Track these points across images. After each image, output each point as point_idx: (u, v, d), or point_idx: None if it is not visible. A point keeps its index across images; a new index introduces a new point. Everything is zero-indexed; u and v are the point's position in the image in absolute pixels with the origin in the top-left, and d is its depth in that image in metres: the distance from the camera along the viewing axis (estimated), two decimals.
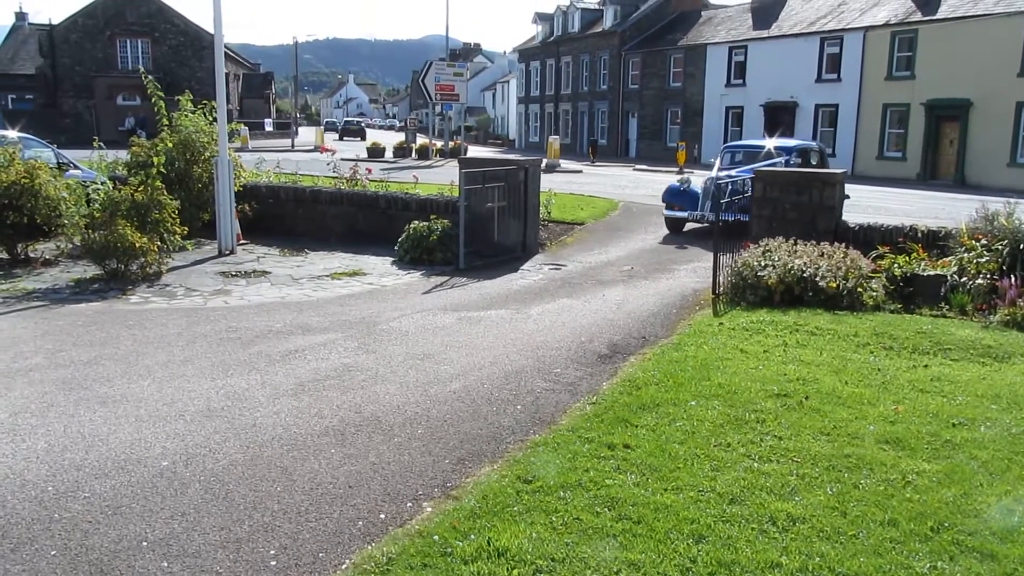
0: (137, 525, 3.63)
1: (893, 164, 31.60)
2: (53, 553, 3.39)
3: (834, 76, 34.08)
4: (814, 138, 33.55)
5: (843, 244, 9.02)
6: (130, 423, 4.91)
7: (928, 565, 3.33)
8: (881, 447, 4.57)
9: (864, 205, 17.81)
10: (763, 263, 8.54)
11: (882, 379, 5.80)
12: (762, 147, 14.86)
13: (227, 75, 54.19)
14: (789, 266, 8.34)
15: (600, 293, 9.29)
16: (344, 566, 3.31)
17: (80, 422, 4.92)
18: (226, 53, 57.89)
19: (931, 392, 5.52)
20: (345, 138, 61.58)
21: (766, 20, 38.86)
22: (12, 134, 11.80)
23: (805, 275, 8.24)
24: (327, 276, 10.21)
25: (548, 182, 19.31)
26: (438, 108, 37.73)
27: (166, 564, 3.32)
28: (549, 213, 14.57)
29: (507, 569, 3.23)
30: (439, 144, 36.01)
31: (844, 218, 10.31)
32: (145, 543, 3.48)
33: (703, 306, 8.55)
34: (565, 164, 32.36)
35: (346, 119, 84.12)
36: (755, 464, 4.31)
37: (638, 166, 36.34)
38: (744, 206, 11.39)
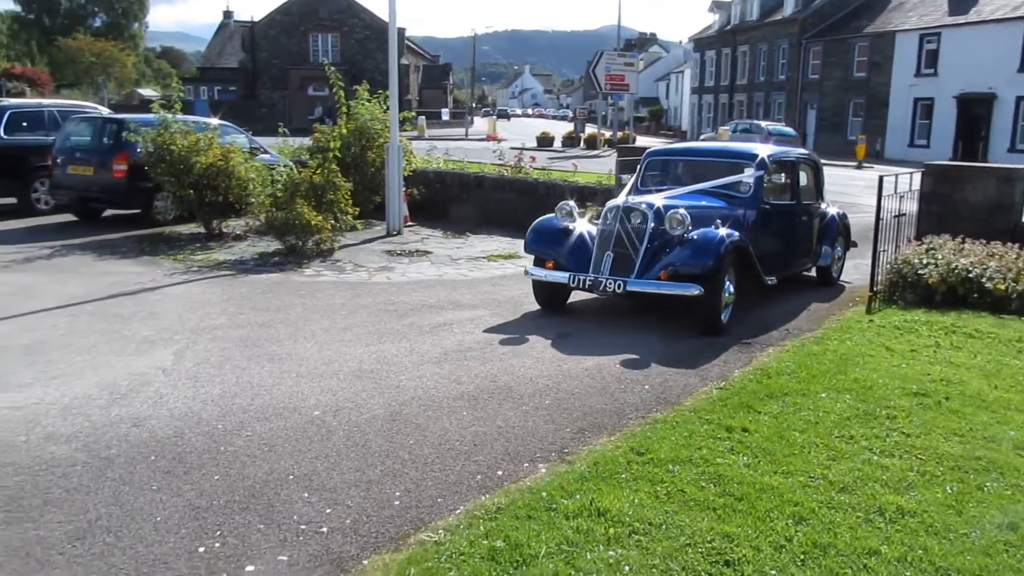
0: (286, 462, 4.13)
1: None
2: (216, 478, 3.94)
3: None
4: (1014, 135, 30.88)
5: (1017, 245, 8.46)
6: (291, 378, 5.50)
7: None
8: (1018, 452, 4.38)
9: None
10: (925, 261, 8.17)
11: None
12: (715, 154, 9.04)
13: (407, 66, 56.16)
14: (953, 265, 7.94)
15: None
16: (458, 511, 3.65)
17: (250, 374, 5.57)
18: (407, 45, 60.09)
19: None
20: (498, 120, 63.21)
21: (963, 4, 36.08)
22: (213, 121, 13.05)
23: (970, 275, 7.81)
24: (483, 257, 10.70)
25: None
26: (610, 98, 37.78)
27: (307, 495, 3.79)
28: None
29: (605, 527, 3.44)
30: (608, 134, 36.05)
31: None
32: (292, 477, 3.97)
33: (857, 303, 8.31)
34: None
35: (499, 108, 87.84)
36: (875, 457, 4.28)
37: None
38: (686, 260, 6.85)
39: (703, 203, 7.74)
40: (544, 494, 3.75)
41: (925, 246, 8.53)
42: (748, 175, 8.12)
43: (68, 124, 13.15)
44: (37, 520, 3.51)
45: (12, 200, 13.78)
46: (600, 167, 21.08)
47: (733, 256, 7.14)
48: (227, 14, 61.84)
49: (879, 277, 8.50)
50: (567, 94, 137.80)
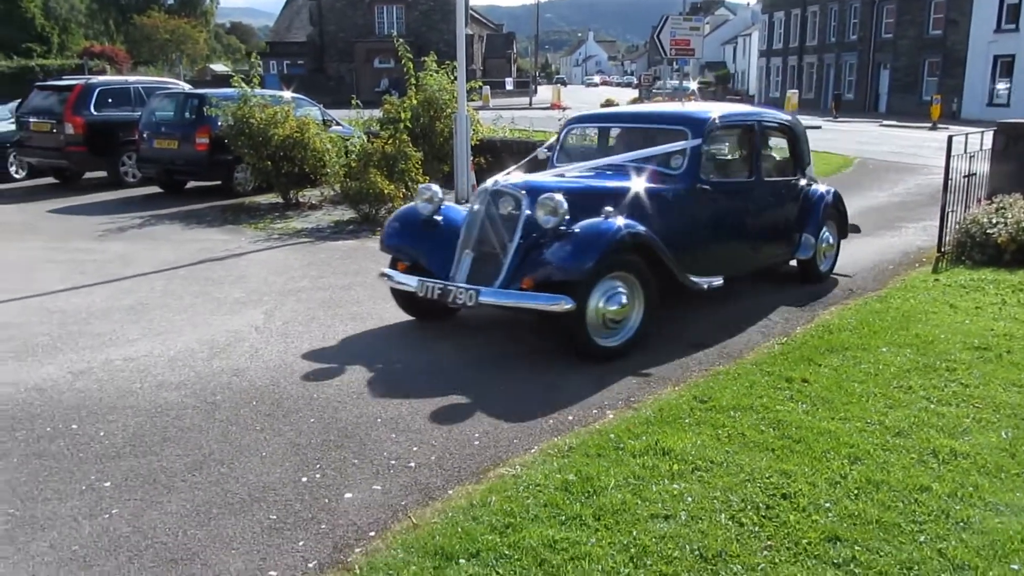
0: (374, 407, 4.51)
1: None
2: (312, 420, 4.34)
3: None
4: None
5: None
6: (372, 334, 5.89)
7: None
8: None
9: None
10: (994, 220, 8.13)
11: None
12: (647, 119, 7.21)
13: (471, 36, 56.21)
14: (1023, 223, 7.90)
15: None
16: (533, 450, 3.96)
17: (335, 331, 5.97)
18: (472, 15, 60.08)
19: None
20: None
21: None
22: (287, 94, 13.52)
23: None
24: None
25: None
26: (675, 64, 37.33)
27: (394, 435, 4.15)
28: None
29: (668, 464, 3.72)
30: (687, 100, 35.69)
31: None
32: (379, 420, 4.34)
33: (924, 264, 8.32)
34: (803, 119, 30.95)
35: (556, 76, 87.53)
36: (932, 406, 4.44)
37: (886, 121, 33.95)
38: (554, 262, 5.18)
39: (605, 184, 6.02)
40: (612, 435, 4.04)
41: (995, 205, 8.47)
42: (678, 145, 6.29)
43: (153, 100, 13.79)
44: (159, 454, 3.95)
45: (102, 173, 14.54)
46: None
47: (634, 255, 5.42)
48: None
49: (947, 238, 8.48)
50: (632, 60, 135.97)
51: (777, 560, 3.00)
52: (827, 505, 3.38)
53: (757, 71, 60.81)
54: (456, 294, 5.29)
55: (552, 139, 7.59)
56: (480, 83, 24.97)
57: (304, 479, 3.69)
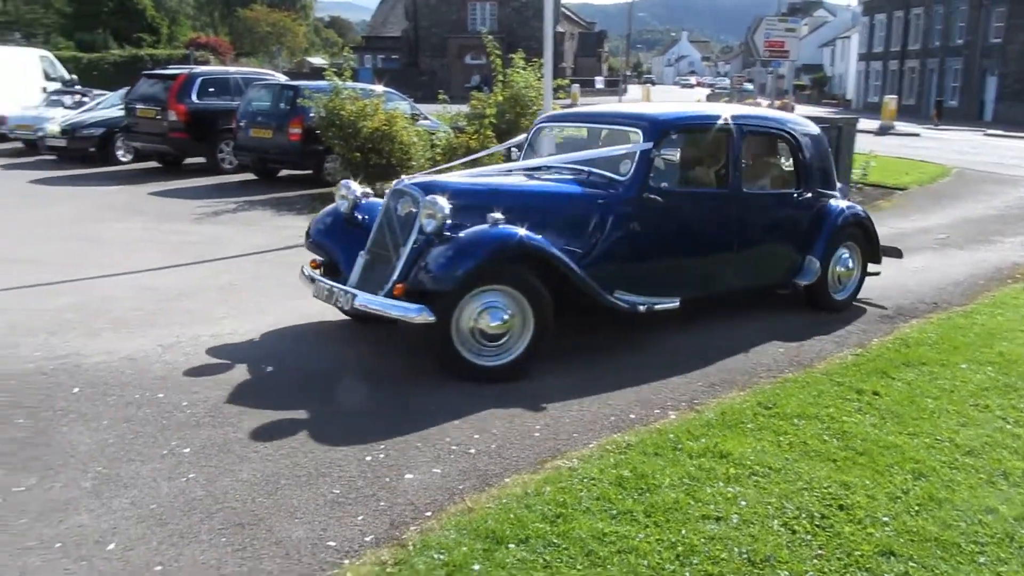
0: (438, 395, 4.63)
1: None
2: (379, 402, 4.49)
3: None
4: None
5: None
6: None
7: None
8: None
9: None
10: None
11: None
12: (605, 119, 6.57)
13: (562, 34, 56.13)
14: None
15: (905, 259, 9.01)
16: (591, 445, 4.02)
17: None
18: (563, 13, 60.01)
19: None
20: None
21: None
22: (378, 88, 13.84)
23: None
24: None
25: (876, 144, 18.39)
26: (769, 66, 36.59)
27: (457, 422, 4.27)
28: (866, 176, 13.99)
29: (725, 467, 3.73)
30: (765, 103, 34.99)
31: None
32: (443, 407, 4.46)
33: (1017, 280, 8.01)
34: (901, 126, 29.95)
35: (645, 76, 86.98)
36: (1008, 426, 4.31)
37: (991, 130, 32.48)
38: (424, 269, 4.78)
39: (519, 186, 5.64)
40: (671, 435, 4.06)
41: None
42: (623, 148, 5.74)
43: (250, 90, 14.32)
44: (236, 425, 4.16)
45: (202, 159, 15.19)
46: None
47: (520, 268, 4.90)
48: None
49: None
50: (725, 61, 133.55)
51: (827, 570, 2.99)
52: (885, 519, 3.34)
53: (855, 75, 58.98)
54: (338, 296, 5.05)
55: (522, 137, 7.26)
56: (568, 81, 25.06)
57: (368, 458, 3.84)
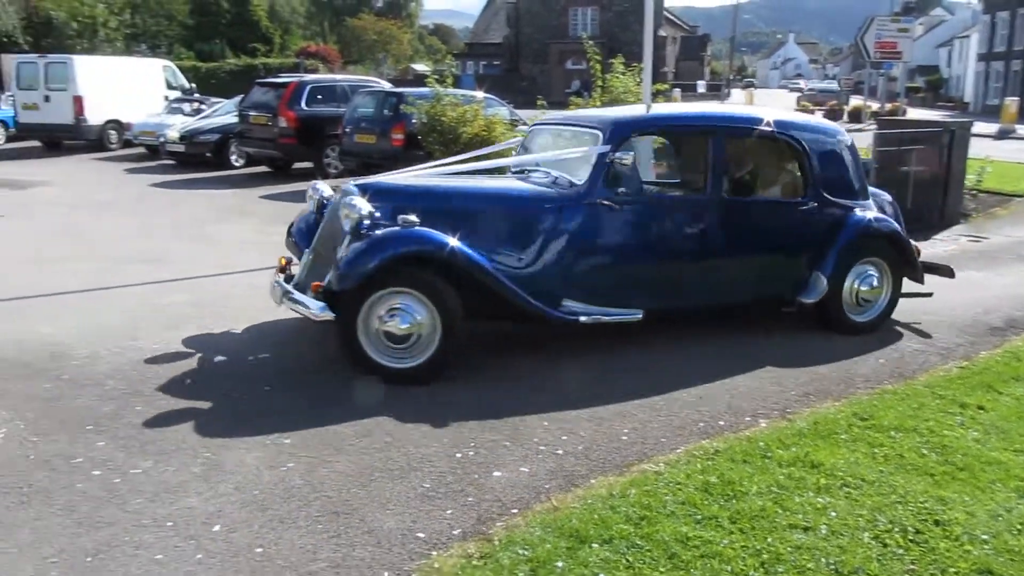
0: (528, 397, 4.71)
1: None
2: (469, 403, 4.61)
3: None
4: None
5: None
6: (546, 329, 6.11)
7: None
8: None
9: None
10: None
11: None
12: (576, 121, 6.17)
13: (664, 38, 55.62)
14: None
15: (1019, 269, 8.61)
16: (679, 450, 4.02)
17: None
18: (665, 17, 59.42)
19: None
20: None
21: None
22: (479, 94, 14.09)
23: None
24: None
25: (993, 149, 17.52)
26: (880, 68, 35.27)
27: (546, 423, 4.34)
28: (980, 182, 13.35)
29: (816, 477, 3.67)
30: (875, 106, 33.76)
31: None
32: (532, 408, 4.54)
33: None
34: (1023, 130, 28.38)
35: (746, 79, 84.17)
36: None
37: None
38: (337, 268, 4.86)
39: (455, 187, 5.70)
40: (761, 443, 4.02)
41: None
42: (580, 151, 5.59)
43: (356, 97, 14.79)
44: (334, 419, 4.34)
45: (309, 164, 15.77)
46: (862, 141, 19.99)
47: (427, 272, 4.85)
48: None
49: None
50: (834, 63, 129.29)
51: None
52: (984, 537, 3.22)
53: (974, 76, 56.15)
54: (279, 294, 5.16)
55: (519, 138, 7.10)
56: (668, 86, 24.75)
57: (458, 455, 3.95)
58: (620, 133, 5.49)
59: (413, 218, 4.87)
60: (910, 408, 4.52)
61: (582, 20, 51.88)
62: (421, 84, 13.56)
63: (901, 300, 6.28)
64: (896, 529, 3.26)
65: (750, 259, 5.84)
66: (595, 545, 3.11)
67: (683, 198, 6.03)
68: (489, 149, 7.65)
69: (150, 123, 18.75)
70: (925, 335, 6.08)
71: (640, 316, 5.43)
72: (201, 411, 4.43)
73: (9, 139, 21.04)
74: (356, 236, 4.88)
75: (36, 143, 20.37)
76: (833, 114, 35.72)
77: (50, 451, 3.93)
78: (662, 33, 50.53)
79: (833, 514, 3.37)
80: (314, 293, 4.91)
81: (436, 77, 13.09)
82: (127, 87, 20.42)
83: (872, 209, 6.22)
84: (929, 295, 6.55)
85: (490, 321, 5.40)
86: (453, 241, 4.85)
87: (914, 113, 35.14)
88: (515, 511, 3.43)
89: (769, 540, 3.16)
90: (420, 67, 63.07)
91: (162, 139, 17.29)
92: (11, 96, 20.67)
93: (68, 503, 3.45)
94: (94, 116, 19.43)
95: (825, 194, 5.96)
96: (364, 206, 4.97)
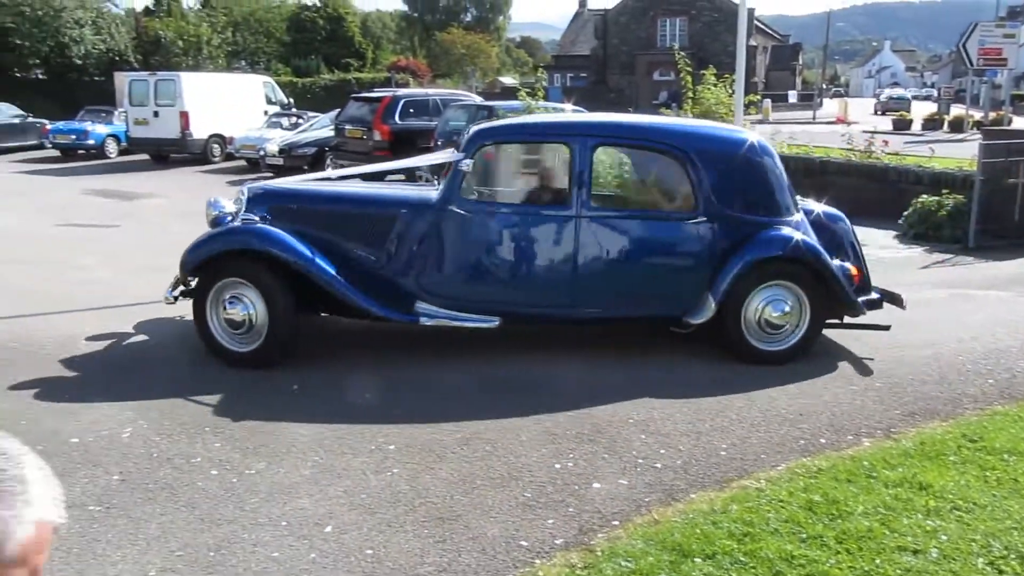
0: (626, 408, 4.74)
1: None
2: (568, 414, 4.66)
3: None
4: None
5: None
6: (638, 346, 6.13)
7: None
8: None
9: None
10: None
11: None
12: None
13: (755, 48, 54.67)
14: None
15: None
16: (780, 467, 3.99)
17: (606, 339, 6.27)
18: (756, 26, 58.44)
19: None
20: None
21: None
22: (567, 106, 14.21)
23: None
24: None
25: None
26: (983, 75, 33.87)
27: (643, 436, 4.36)
28: None
29: (924, 499, 3.58)
30: (977, 116, 32.40)
31: None
32: (631, 420, 4.57)
33: None
34: None
35: (835, 88, 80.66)
36: None
37: None
38: None
39: (321, 193, 6.15)
40: (866, 463, 3.95)
41: None
42: (441, 157, 5.76)
43: (448, 110, 15.09)
44: (434, 427, 4.47)
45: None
46: (962, 152, 19.23)
47: (256, 265, 5.36)
48: (582, 3, 64.93)
49: None
50: (933, 71, 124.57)
51: None
52: None
53: None
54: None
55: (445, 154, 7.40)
56: (759, 96, 24.42)
57: (557, 465, 4.01)
58: (475, 141, 5.59)
59: (253, 216, 5.55)
60: (1023, 431, 4.37)
61: (670, 31, 51.50)
62: (509, 96, 13.74)
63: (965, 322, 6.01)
64: (1012, 555, 3.16)
65: (618, 274, 5.61)
66: (698, 559, 3.12)
67: (538, 208, 5.76)
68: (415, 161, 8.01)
69: (251, 137, 19.51)
70: None
71: (496, 323, 5.49)
72: (309, 416, 4.60)
73: (121, 152, 22.18)
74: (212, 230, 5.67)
75: (144, 156, 21.42)
76: (933, 122, 34.49)
77: (172, 450, 4.16)
78: (752, 43, 49.67)
79: (944, 537, 3.29)
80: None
81: (528, 90, 13.24)
82: (229, 102, 21.28)
83: (794, 227, 5.66)
84: (886, 328, 5.89)
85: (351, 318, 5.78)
86: (291, 238, 5.36)
87: (1021, 122, 33.60)
88: (616, 523, 3.47)
89: (877, 562, 3.11)
90: (507, 80, 63.70)
91: (262, 152, 17.96)
92: (124, 112, 21.80)
93: (190, 500, 3.66)
94: (199, 130, 20.32)
95: (724, 209, 5.55)
96: (227, 206, 5.89)
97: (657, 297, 5.66)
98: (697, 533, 3.30)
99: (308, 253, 5.34)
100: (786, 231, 5.60)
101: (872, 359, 5.67)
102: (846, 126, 27.14)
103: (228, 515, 3.53)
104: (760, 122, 29.39)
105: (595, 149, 5.59)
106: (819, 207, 6.46)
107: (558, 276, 5.57)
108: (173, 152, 20.73)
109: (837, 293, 5.60)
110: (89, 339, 5.90)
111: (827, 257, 5.62)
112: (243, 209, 5.69)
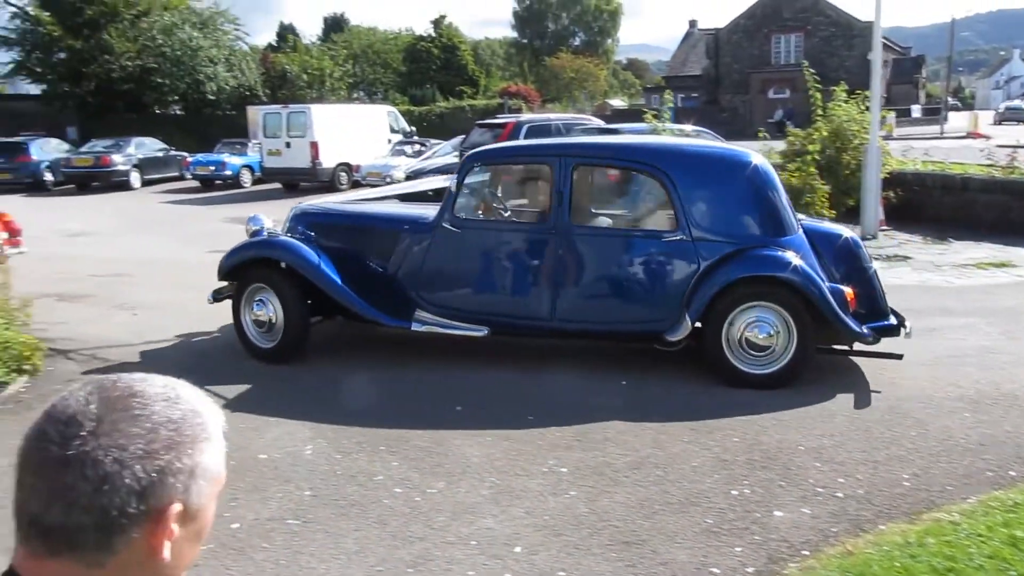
0: (795, 435, 4.66)
1: None
2: (736, 440, 4.62)
3: None
4: None
5: None
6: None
7: None
8: None
9: None
10: None
11: None
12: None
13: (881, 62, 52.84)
14: None
15: None
16: (970, 500, 3.83)
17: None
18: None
19: None
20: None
21: None
22: (688, 127, 14.14)
23: None
24: (971, 265, 10.08)
25: None
26: None
27: (818, 464, 4.27)
28: None
29: None
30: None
31: None
32: (801, 448, 4.49)
33: None
34: None
35: (951, 101, 75.50)
36: None
37: None
38: None
39: (347, 212, 6.96)
40: None
41: None
42: (444, 179, 6.56)
43: (572, 135, 15.22)
44: (602, 450, 4.51)
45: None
46: None
47: (271, 272, 6.19)
48: (692, 23, 64.35)
49: None
50: None
51: None
52: None
53: None
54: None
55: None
56: (888, 112, 23.55)
57: (734, 492, 3.98)
58: (467, 164, 6.17)
59: (258, 228, 6.48)
60: None
61: (785, 47, 50.37)
62: (620, 119, 13.75)
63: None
64: None
65: (596, 289, 5.83)
66: None
67: (520, 225, 6.21)
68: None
69: (376, 164, 20.19)
70: None
71: (485, 332, 5.91)
72: (479, 438, 4.72)
73: (255, 182, 23.35)
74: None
75: (276, 185, 22.46)
76: None
77: (353, 468, 4.35)
78: (880, 59, 48.05)
79: None
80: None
81: (655, 112, 13.23)
82: (355, 132, 22.10)
83: (787, 248, 5.49)
84: (899, 357, 5.63)
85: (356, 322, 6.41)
86: (305, 249, 6.11)
87: None
88: (806, 552, 3.42)
89: None
90: (615, 102, 63.74)
91: (388, 179, 18.53)
92: (257, 143, 22.95)
93: (380, 517, 3.81)
94: (328, 159, 21.17)
95: (707, 228, 5.54)
96: (265, 222, 6.56)
97: (636, 313, 5.76)
98: (896, 566, 3.21)
99: (315, 262, 6.04)
100: (774, 251, 5.50)
101: None
102: (985, 140, 25.85)
103: (418, 533, 3.66)
104: (886, 138, 28.31)
105: (575, 169, 5.86)
106: (831, 226, 6.46)
107: (539, 290, 5.88)
108: (304, 181, 21.64)
109: (827, 318, 5.36)
110: (256, 358, 6.24)
111: (816, 279, 5.40)
112: (287, 225, 6.62)
